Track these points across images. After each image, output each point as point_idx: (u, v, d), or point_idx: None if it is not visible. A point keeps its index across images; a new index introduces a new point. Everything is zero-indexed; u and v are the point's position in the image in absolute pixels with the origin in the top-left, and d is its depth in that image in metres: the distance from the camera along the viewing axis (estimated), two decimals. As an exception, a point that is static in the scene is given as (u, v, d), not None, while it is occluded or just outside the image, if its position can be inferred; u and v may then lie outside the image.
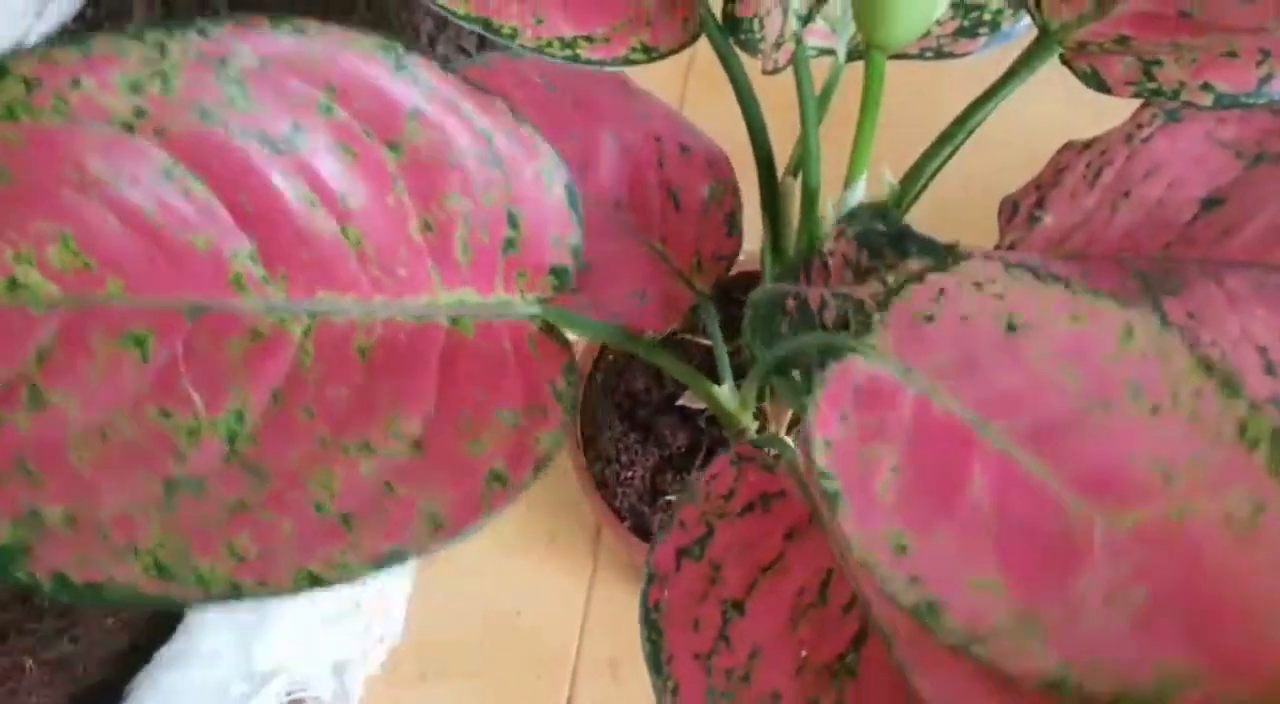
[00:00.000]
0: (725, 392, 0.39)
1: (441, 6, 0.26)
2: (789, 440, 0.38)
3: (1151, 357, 0.25)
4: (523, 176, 0.29)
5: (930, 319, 0.27)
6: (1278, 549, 0.22)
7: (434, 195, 0.28)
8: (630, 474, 0.47)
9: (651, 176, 0.38)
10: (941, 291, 0.27)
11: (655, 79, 0.38)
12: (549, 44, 0.28)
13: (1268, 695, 0.21)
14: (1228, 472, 0.23)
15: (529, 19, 0.27)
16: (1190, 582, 0.22)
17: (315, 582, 0.25)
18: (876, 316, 0.28)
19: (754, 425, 0.40)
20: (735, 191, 0.39)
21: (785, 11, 0.30)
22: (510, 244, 0.29)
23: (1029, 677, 0.22)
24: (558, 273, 0.30)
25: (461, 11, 0.26)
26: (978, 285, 0.27)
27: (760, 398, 0.42)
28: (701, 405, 0.46)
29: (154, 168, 0.25)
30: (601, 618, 0.57)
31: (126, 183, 0.25)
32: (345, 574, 0.25)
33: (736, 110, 0.34)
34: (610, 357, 0.50)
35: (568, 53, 0.28)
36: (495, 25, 0.27)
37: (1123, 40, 0.30)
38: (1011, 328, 0.26)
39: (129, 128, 0.24)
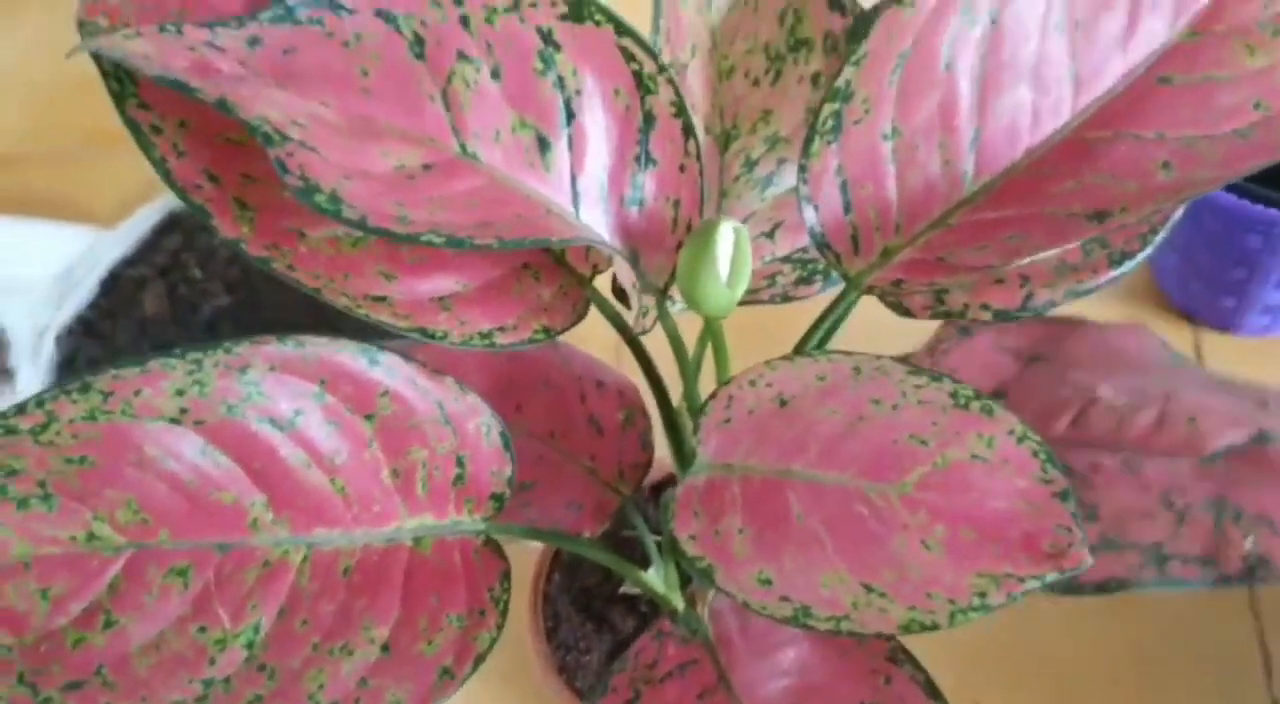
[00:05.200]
0: (653, 575, 0.48)
1: (390, 324, 0.36)
2: (705, 620, 0.46)
3: (877, 377, 0.36)
4: (467, 430, 0.39)
5: (728, 421, 0.38)
6: (1009, 464, 0.34)
7: (400, 450, 0.37)
8: (588, 658, 0.55)
9: (576, 409, 0.48)
10: (730, 398, 0.38)
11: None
12: (471, 338, 0.38)
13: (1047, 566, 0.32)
14: (959, 425, 0.35)
15: (455, 323, 0.37)
16: (969, 507, 0.33)
17: (313, 756, 0.34)
18: (694, 440, 0.38)
19: (683, 605, 0.49)
20: (645, 414, 0.48)
21: (640, 290, 0.40)
22: (459, 479, 0.39)
23: (889, 630, 0.32)
24: (497, 497, 0.40)
25: (404, 326, 0.36)
26: (753, 383, 0.38)
27: (687, 581, 0.50)
28: (639, 591, 0.54)
29: (193, 448, 0.34)
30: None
31: (173, 460, 0.34)
32: (336, 750, 0.34)
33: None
34: (565, 559, 0.58)
35: (486, 342, 0.38)
36: (429, 331, 0.37)
37: (898, 283, 0.41)
38: (783, 402, 0.37)
39: (175, 421, 0.34)
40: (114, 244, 0.80)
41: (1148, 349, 0.44)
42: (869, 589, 0.33)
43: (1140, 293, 0.76)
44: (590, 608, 0.56)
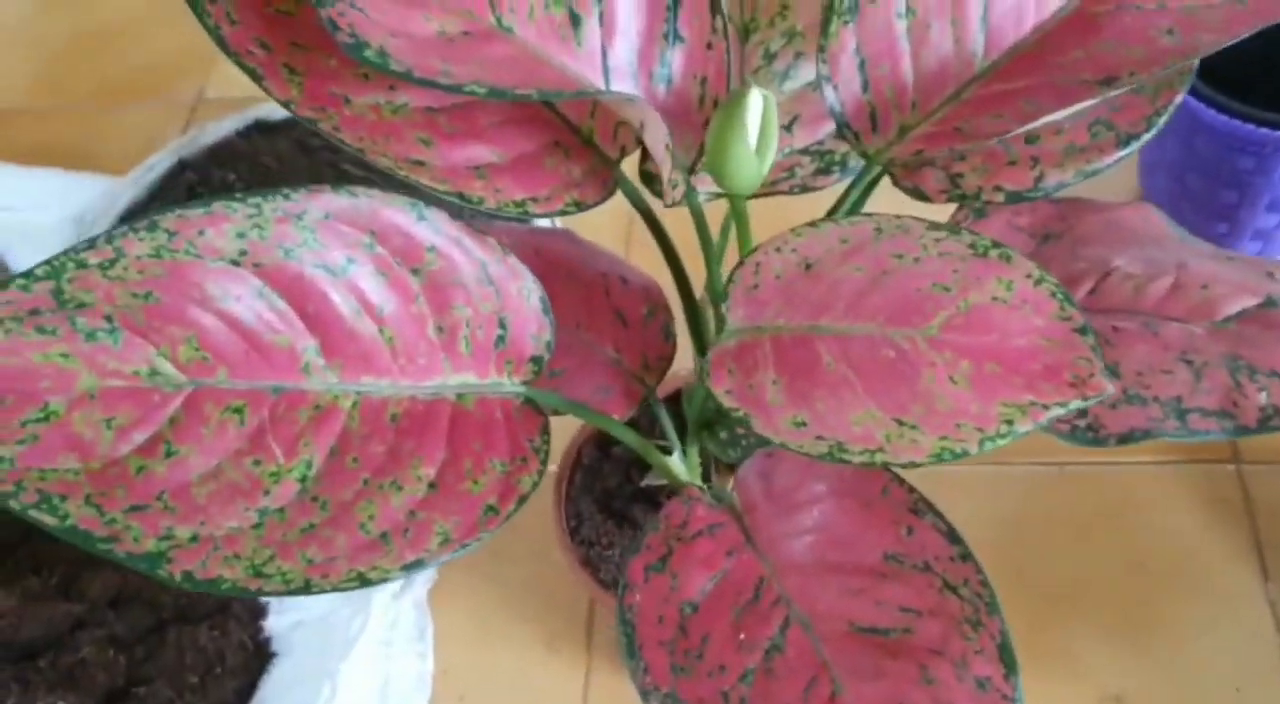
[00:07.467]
0: (675, 459, 0.49)
1: (429, 187, 0.37)
2: (730, 492, 0.47)
3: (898, 234, 0.38)
4: (509, 292, 0.40)
5: (756, 287, 0.39)
6: (1028, 304, 0.36)
7: (445, 306, 0.39)
8: (610, 552, 0.57)
9: (601, 303, 0.49)
10: (758, 264, 0.39)
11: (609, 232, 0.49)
12: (505, 205, 0.39)
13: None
14: (980, 272, 0.36)
15: (490, 191, 0.39)
16: (992, 344, 0.35)
17: (363, 581, 0.35)
18: (724, 306, 0.39)
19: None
20: (667, 309, 0.50)
21: (672, 166, 0.42)
22: (500, 340, 0.40)
23: (921, 459, 0.34)
24: (536, 360, 0.41)
25: (442, 189, 0.38)
26: (778, 250, 0.39)
27: (707, 472, 0.52)
28: (663, 482, 0.55)
29: (251, 290, 0.36)
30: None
31: (232, 300, 0.36)
32: (383, 576, 0.35)
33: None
34: (586, 461, 0.60)
35: (520, 210, 0.39)
36: (466, 195, 0.38)
37: (918, 153, 0.42)
38: (808, 265, 0.39)
39: (235, 263, 0.36)
40: (129, 187, 0.81)
41: (1155, 225, 0.46)
42: (900, 423, 0.35)
43: (1134, 225, 0.78)
44: (610, 507, 0.58)
